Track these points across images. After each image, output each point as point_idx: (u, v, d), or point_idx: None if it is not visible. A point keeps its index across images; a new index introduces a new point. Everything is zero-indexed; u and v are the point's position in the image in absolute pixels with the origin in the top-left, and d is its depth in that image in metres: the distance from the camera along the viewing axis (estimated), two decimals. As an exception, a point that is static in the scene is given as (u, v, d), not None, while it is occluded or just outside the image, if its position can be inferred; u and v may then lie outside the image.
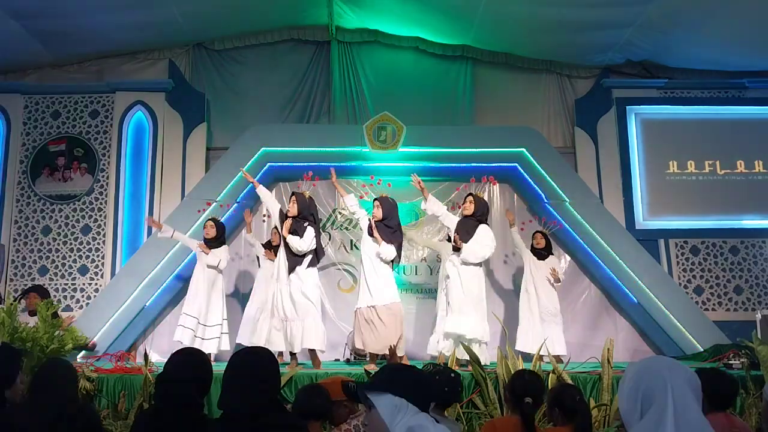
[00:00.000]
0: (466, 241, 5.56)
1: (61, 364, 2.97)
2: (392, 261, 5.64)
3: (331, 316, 7.25)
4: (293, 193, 5.77)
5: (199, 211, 7.06)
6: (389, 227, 5.64)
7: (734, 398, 2.96)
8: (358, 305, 5.56)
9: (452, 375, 3.05)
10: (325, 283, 7.27)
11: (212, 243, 6.38)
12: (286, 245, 5.56)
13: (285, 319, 5.50)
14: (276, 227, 6.78)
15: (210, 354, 6.17)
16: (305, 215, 5.62)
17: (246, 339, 6.35)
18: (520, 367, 4.58)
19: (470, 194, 5.85)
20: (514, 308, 7.30)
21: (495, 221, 7.74)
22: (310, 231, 5.55)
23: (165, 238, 6.56)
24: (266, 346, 5.43)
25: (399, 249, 5.67)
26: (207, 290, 6.29)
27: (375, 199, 5.82)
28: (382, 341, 5.32)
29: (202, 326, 6.22)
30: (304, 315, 5.47)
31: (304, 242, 5.50)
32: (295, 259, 5.54)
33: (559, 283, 6.66)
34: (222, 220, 6.86)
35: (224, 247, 6.48)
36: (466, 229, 5.63)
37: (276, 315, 5.54)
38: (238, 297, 7.45)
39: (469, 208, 5.70)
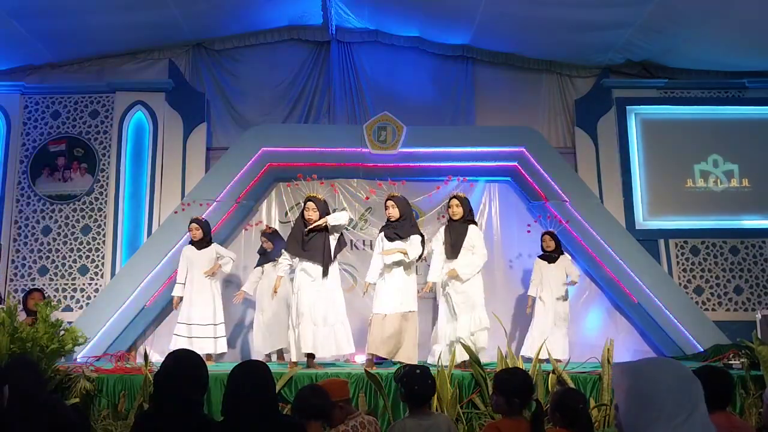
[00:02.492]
0: (457, 251, 5.55)
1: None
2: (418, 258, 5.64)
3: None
4: (309, 199, 5.61)
5: (175, 212, 7.05)
6: (409, 223, 5.62)
7: (731, 396, 2.92)
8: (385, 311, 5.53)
9: (417, 372, 3.07)
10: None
11: (202, 244, 6.41)
12: (308, 253, 5.45)
13: (322, 324, 5.39)
14: (265, 235, 6.72)
15: (210, 354, 6.18)
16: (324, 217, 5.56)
17: (270, 346, 6.38)
18: (521, 368, 4.58)
19: (455, 197, 5.77)
20: (514, 307, 7.31)
21: (496, 222, 7.76)
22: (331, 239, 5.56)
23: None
24: (311, 351, 5.37)
25: (422, 241, 5.62)
26: (204, 292, 6.30)
27: (388, 199, 5.73)
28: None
29: (213, 326, 6.24)
30: (342, 319, 5.49)
31: (341, 216, 5.56)
32: (327, 264, 5.47)
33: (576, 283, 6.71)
34: (217, 219, 6.89)
35: (213, 246, 6.51)
36: (456, 235, 5.62)
37: (308, 319, 5.39)
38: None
39: (458, 212, 5.67)
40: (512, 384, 2.89)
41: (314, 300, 5.41)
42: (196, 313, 6.23)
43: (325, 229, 5.52)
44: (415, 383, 2.98)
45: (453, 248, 5.60)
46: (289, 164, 7.52)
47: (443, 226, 5.89)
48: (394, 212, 5.62)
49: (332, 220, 5.48)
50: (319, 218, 5.48)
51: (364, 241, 7.55)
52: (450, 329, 5.51)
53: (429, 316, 6.86)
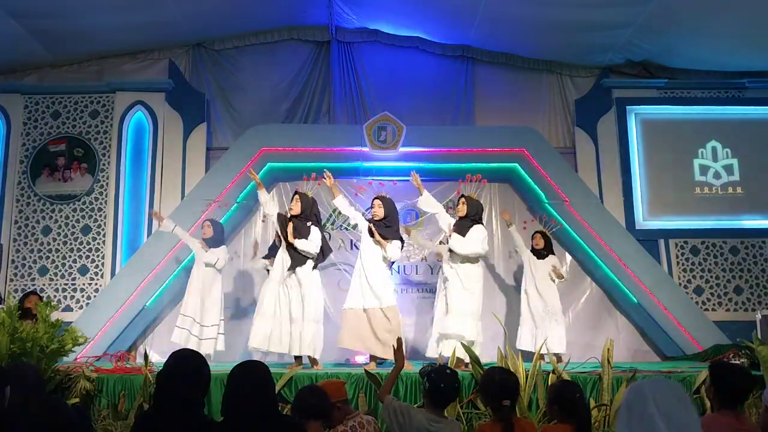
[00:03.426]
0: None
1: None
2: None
3: (331, 316, 7.25)
4: (297, 192, 5.71)
5: (203, 212, 7.02)
6: (390, 226, 5.62)
7: (747, 395, 2.82)
8: (353, 306, 5.48)
9: (448, 372, 3.05)
10: (325, 283, 7.23)
11: (210, 243, 6.40)
12: (289, 246, 5.50)
13: (290, 320, 5.42)
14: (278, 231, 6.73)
15: (209, 355, 6.19)
16: (308, 215, 5.58)
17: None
18: (520, 368, 4.58)
19: (463, 196, 5.87)
20: (514, 305, 7.31)
21: (496, 223, 7.77)
22: (315, 231, 5.52)
23: (166, 232, 6.56)
24: (268, 347, 5.43)
25: (401, 247, 5.67)
26: (204, 290, 6.29)
27: (375, 198, 5.76)
28: (385, 344, 5.34)
29: (199, 326, 6.22)
30: (308, 319, 5.45)
31: (313, 244, 5.46)
32: (297, 259, 5.47)
33: (563, 279, 6.65)
34: (222, 220, 6.86)
35: (222, 248, 6.48)
36: (460, 230, 5.67)
37: (277, 316, 5.46)
38: (239, 297, 7.45)
39: (462, 210, 5.75)
40: (483, 387, 2.88)
41: (282, 293, 5.45)
42: (194, 309, 6.24)
43: (307, 230, 5.52)
44: (442, 381, 2.95)
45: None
46: (289, 164, 7.52)
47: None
48: (380, 212, 5.63)
49: (300, 244, 5.47)
50: (300, 212, 5.55)
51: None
52: (448, 323, 5.52)
53: (427, 317, 6.87)
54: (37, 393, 2.71)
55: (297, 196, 5.66)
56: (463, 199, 5.82)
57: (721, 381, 2.79)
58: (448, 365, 4.83)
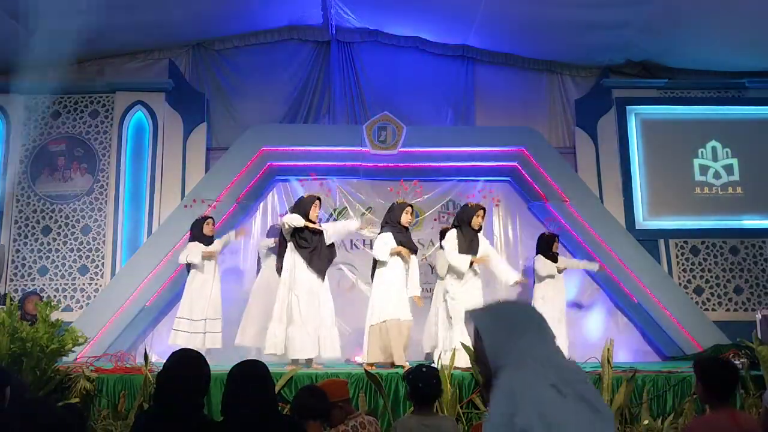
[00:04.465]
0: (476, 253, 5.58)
1: None
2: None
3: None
4: (319, 198, 5.73)
5: (190, 206, 7.08)
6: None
7: (735, 384, 2.74)
8: (401, 316, 5.48)
9: (424, 370, 3.08)
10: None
11: (209, 240, 6.45)
12: (311, 253, 5.49)
13: (315, 325, 5.41)
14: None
15: (209, 350, 6.20)
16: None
17: (250, 340, 6.35)
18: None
19: (483, 208, 5.75)
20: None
21: (497, 223, 7.78)
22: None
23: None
24: (284, 351, 5.38)
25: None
26: (212, 289, 6.33)
27: (410, 205, 5.80)
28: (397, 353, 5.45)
29: (203, 322, 6.25)
30: (330, 323, 5.49)
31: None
32: (321, 268, 5.51)
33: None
34: (217, 219, 6.94)
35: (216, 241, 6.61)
36: (471, 240, 5.59)
37: (298, 321, 5.39)
38: (237, 296, 7.44)
39: (481, 223, 5.71)
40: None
41: (315, 301, 5.44)
42: (201, 310, 6.25)
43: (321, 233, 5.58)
44: (419, 381, 2.99)
45: (467, 253, 5.58)
46: (289, 164, 7.53)
47: (454, 231, 5.71)
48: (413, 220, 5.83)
49: (333, 233, 5.60)
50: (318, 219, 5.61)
51: (364, 240, 7.55)
52: (448, 336, 5.48)
53: (423, 319, 6.86)
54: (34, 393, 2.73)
55: (319, 202, 5.72)
56: (483, 212, 5.72)
57: (709, 375, 2.71)
58: (449, 368, 4.85)
